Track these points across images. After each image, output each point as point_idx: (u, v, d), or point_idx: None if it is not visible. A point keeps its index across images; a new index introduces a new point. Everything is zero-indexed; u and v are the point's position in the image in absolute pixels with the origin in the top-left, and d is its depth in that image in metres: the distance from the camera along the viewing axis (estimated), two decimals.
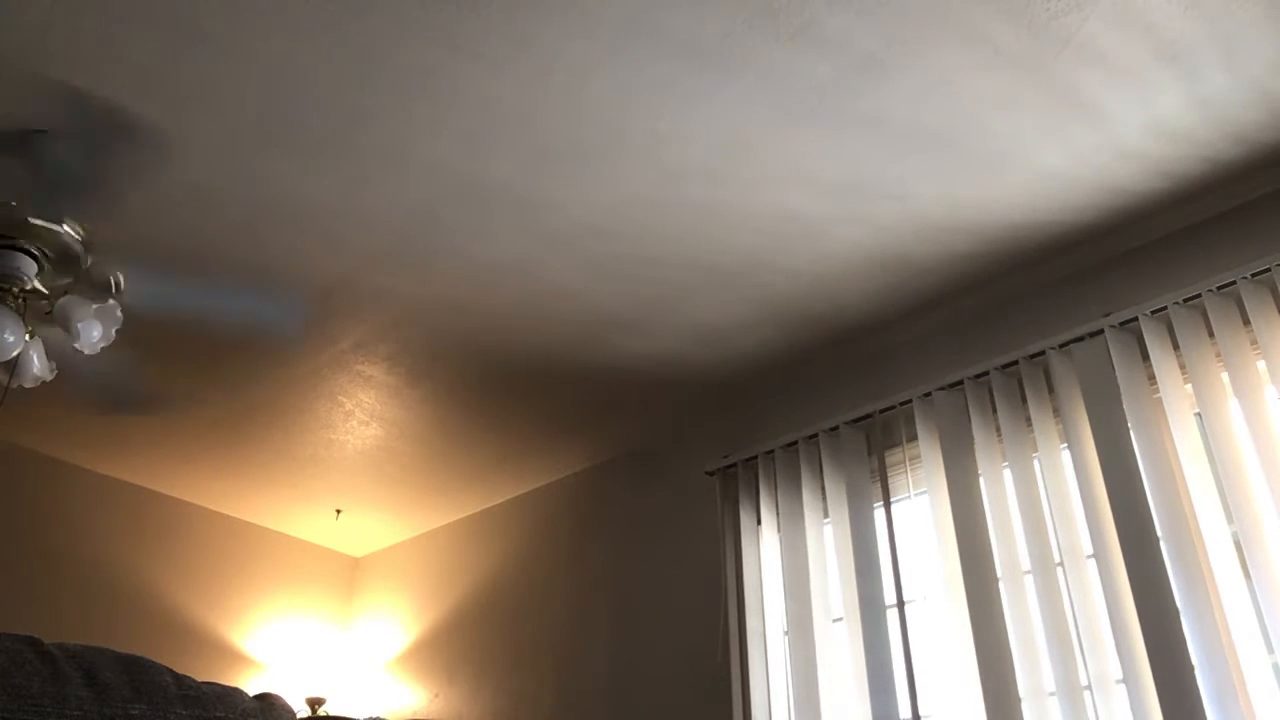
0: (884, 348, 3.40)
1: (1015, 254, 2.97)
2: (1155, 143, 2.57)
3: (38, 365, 2.61)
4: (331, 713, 4.49)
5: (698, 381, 3.61)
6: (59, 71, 2.34)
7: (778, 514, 3.32)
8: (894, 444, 3.21)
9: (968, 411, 2.99)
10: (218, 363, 3.47)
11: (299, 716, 2.12)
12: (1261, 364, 2.54)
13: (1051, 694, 2.57)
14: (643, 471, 4.01)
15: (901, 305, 3.21)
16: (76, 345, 2.55)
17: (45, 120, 2.47)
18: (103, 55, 2.30)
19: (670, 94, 2.42)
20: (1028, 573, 2.71)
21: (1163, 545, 2.48)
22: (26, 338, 2.53)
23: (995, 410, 2.94)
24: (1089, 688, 2.51)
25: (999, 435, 2.92)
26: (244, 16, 2.21)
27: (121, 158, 2.56)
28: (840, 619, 3.06)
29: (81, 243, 2.47)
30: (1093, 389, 2.74)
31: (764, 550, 3.40)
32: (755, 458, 3.47)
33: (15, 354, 2.47)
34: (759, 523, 3.43)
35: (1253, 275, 2.56)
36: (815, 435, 3.32)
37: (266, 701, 1.26)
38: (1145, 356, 2.72)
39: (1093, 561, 2.60)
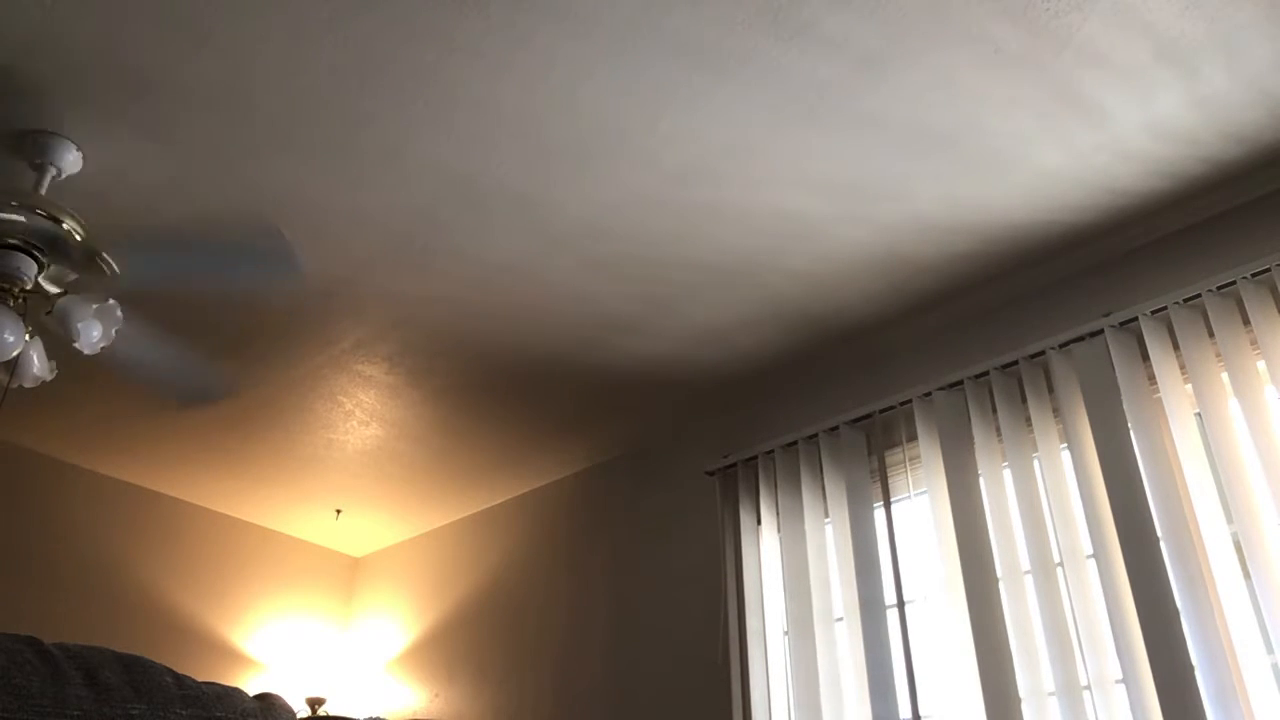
0: (884, 348, 3.40)
1: (1015, 254, 2.97)
2: (1155, 143, 2.57)
3: (38, 365, 2.61)
4: (331, 713, 4.49)
5: (698, 381, 3.61)
6: (59, 71, 2.34)
7: (778, 514, 3.32)
8: (894, 444, 3.21)
9: (968, 411, 2.99)
10: (218, 363, 3.47)
11: (299, 716, 2.12)
12: (1261, 364, 2.54)
13: (1051, 694, 2.57)
14: (643, 471, 4.01)
15: (901, 305, 3.21)
16: (76, 345, 2.54)
17: (46, 120, 2.48)
18: (103, 55, 2.30)
19: (670, 94, 2.42)
20: (1028, 573, 2.71)
21: (1163, 545, 2.48)
22: (26, 338, 2.52)
23: (995, 410, 2.94)
24: (1089, 688, 2.51)
25: (999, 435, 2.92)
26: (245, 16, 2.21)
27: (121, 158, 2.56)
28: (840, 619, 3.06)
29: (82, 241, 2.47)
30: (1093, 389, 2.74)
31: (764, 550, 3.40)
32: (755, 458, 3.48)
33: (15, 354, 2.47)
34: (759, 523, 3.43)
35: (1253, 275, 2.56)
36: (815, 435, 3.32)
37: (266, 701, 1.26)
38: (1145, 356, 2.72)
39: (1093, 561, 2.60)
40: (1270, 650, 2.33)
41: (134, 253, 2.56)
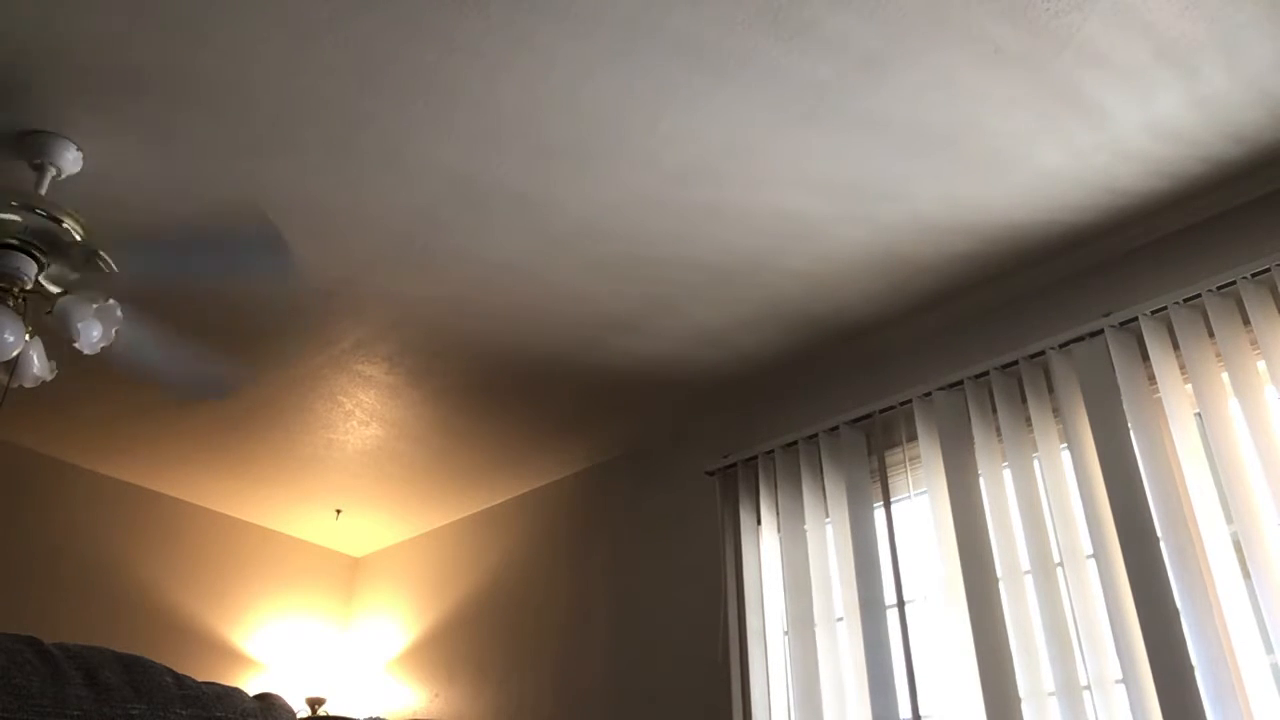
0: (884, 348, 3.40)
1: (1015, 254, 2.97)
2: (1155, 143, 2.57)
3: (38, 365, 2.61)
4: (331, 713, 4.49)
5: (698, 381, 3.61)
6: (59, 71, 2.34)
7: (778, 514, 3.32)
8: (894, 444, 3.21)
9: (968, 411, 2.99)
10: (222, 360, 3.46)
11: (299, 716, 2.12)
12: (1261, 364, 2.54)
13: (1051, 694, 2.57)
14: (643, 471, 4.01)
15: (901, 305, 3.21)
16: (76, 345, 2.54)
17: (46, 120, 2.48)
18: (103, 55, 2.30)
19: (670, 94, 2.42)
20: (1028, 573, 2.71)
21: (1163, 545, 2.48)
22: (26, 338, 2.52)
23: (995, 410, 2.94)
24: (1089, 688, 2.51)
25: (999, 435, 2.92)
26: (245, 16, 2.21)
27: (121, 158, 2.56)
28: (840, 619, 3.06)
29: (82, 241, 2.47)
30: (1093, 389, 2.74)
31: (764, 550, 3.40)
32: (755, 458, 3.48)
33: (15, 354, 2.47)
34: (759, 523, 3.43)
35: (1253, 275, 2.56)
36: (815, 435, 3.32)
37: (266, 701, 1.26)
38: (1145, 356, 2.72)
39: (1093, 561, 2.60)
40: (1270, 650, 2.33)
41: (132, 252, 2.56)
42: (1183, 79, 2.37)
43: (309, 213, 2.80)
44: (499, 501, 4.51)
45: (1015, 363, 2.94)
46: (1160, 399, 2.64)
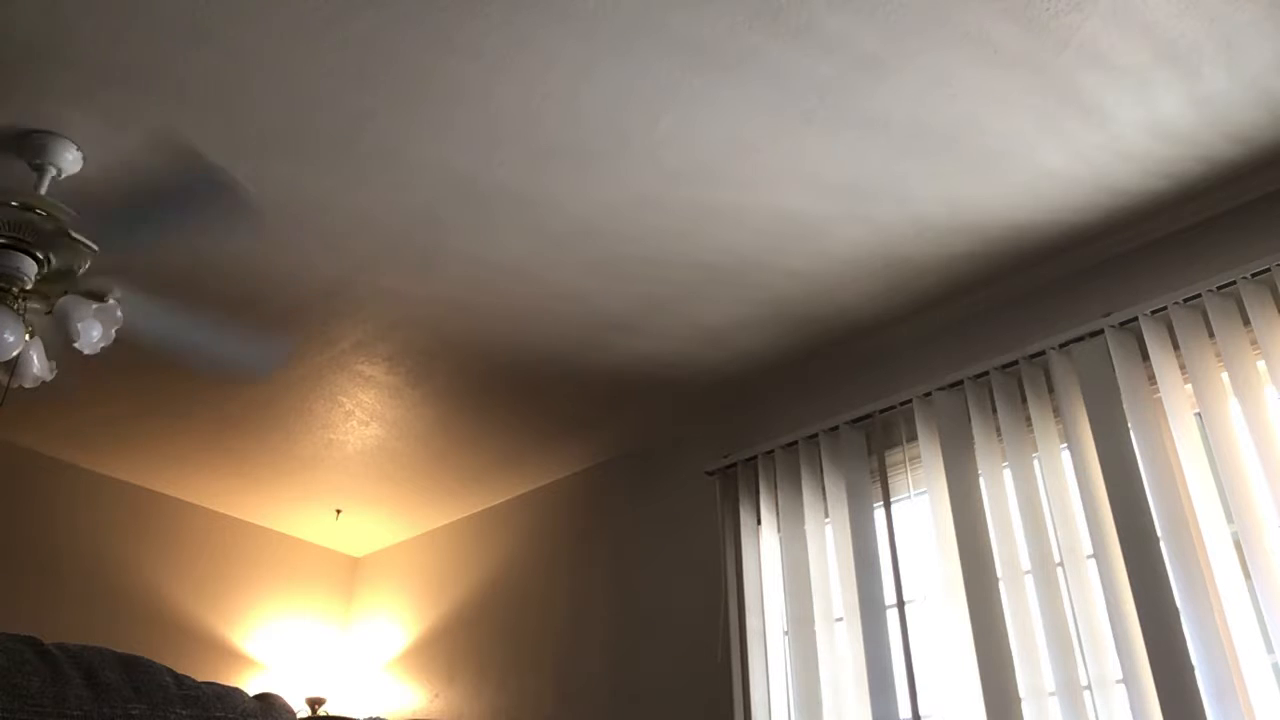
0: (884, 348, 3.40)
1: (1015, 254, 2.97)
2: (1155, 143, 2.57)
3: (38, 365, 2.61)
4: (331, 713, 4.49)
5: (698, 381, 3.61)
6: (59, 71, 2.34)
7: (778, 514, 3.32)
8: (894, 444, 3.21)
9: (968, 411, 2.99)
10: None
11: (299, 716, 2.12)
12: (1261, 364, 2.54)
13: (1051, 694, 2.57)
14: (643, 471, 4.01)
15: (901, 305, 3.21)
16: (76, 345, 2.55)
17: (46, 120, 2.48)
18: (103, 55, 2.30)
19: (671, 94, 2.42)
20: (1028, 573, 2.71)
21: (1163, 545, 2.48)
22: (26, 338, 2.52)
23: (995, 410, 2.94)
24: (1089, 688, 2.51)
25: (999, 435, 2.92)
26: (244, 16, 2.21)
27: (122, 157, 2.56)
28: (840, 619, 3.06)
29: (52, 228, 2.46)
30: (1093, 389, 2.74)
31: (764, 550, 3.40)
32: (755, 458, 3.47)
33: (15, 354, 2.47)
34: (759, 523, 3.43)
35: (1253, 275, 2.56)
36: (815, 435, 3.32)
37: (266, 701, 1.26)
38: (1145, 356, 2.72)
39: (1093, 561, 2.60)
40: (1270, 650, 2.33)
41: (115, 229, 2.54)
42: (1183, 79, 2.37)
43: (309, 213, 2.80)
44: (499, 501, 4.51)
45: (1015, 363, 2.94)
46: (1160, 399, 2.64)
